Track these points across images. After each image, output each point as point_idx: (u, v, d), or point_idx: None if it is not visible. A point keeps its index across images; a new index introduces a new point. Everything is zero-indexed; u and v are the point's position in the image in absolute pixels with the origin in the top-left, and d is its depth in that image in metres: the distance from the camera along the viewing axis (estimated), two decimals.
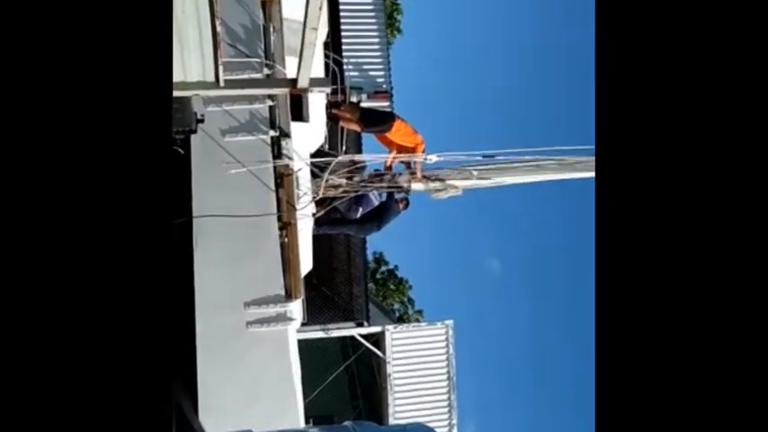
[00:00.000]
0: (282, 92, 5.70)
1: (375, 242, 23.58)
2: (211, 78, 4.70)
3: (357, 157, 8.69)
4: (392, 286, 23.38)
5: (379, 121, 9.31)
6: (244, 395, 6.75)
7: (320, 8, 4.06)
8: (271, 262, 6.85)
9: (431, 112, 32.09)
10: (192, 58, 4.54)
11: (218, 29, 4.19)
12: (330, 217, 9.04)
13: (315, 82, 4.99)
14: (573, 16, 40.30)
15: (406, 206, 9.71)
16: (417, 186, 9.19)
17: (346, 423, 3.17)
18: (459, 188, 9.18)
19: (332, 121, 9.40)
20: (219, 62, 4.53)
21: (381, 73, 13.67)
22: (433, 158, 8.41)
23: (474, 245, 43.86)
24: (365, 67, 13.54)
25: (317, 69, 7.88)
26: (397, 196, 9.49)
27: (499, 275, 40.87)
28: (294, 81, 4.84)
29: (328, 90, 6.12)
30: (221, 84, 4.73)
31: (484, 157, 8.46)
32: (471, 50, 47.36)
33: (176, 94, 4.92)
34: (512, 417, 34.82)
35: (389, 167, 9.12)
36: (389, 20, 22.48)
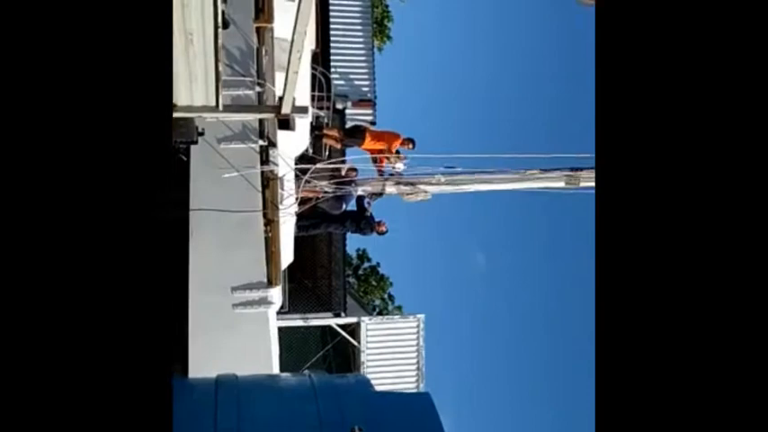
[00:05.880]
0: (269, 116, 6.74)
1: (359, 240, 24.43)
2: (212, 104, 5.77)
3: (333, 165, 9.70)
4: (374, 282, 24.25)
5: (354, 136, 10.63)
6: (227, 367, 7.81)
7: (305, 33, 5.08)
8: (255, 253, 7.95)
9: (415, 119, 32.94)
10: (198, 88, 5.61)
11: (221, 66, 5.24)
12: (314, 213, 10.12)
13: (296, 109, 6.06)
14: (563, 30, 40.85)
15: (385, 231, 10.88)
16: (390, 190, 10.27)
17: (305, 371, 4.15)
18: (428, 193, 10.26)
19: (317, 139, 10.52)
20: (220, 91, 5.60)
21: (366, 82, 14.49)
22: (400, 167, 9.52)
23: (460, 240, 44.26)
24: (351, 76, 14.38)
25: (304, 83, 8.92)
26: (378, 219, 10.68)
27: (484, 270, 41.22)
28: (279, 107, 5.90)
29: (308, 117, 7.16)
30: (220, 108, 5.79)
31: (446, 168, 9.52)
32: (459, 56, 48.09)
33: (183, 114, 5.98)
34: (484, 412, 35.70)
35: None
36: (380, 26, 23.09)
